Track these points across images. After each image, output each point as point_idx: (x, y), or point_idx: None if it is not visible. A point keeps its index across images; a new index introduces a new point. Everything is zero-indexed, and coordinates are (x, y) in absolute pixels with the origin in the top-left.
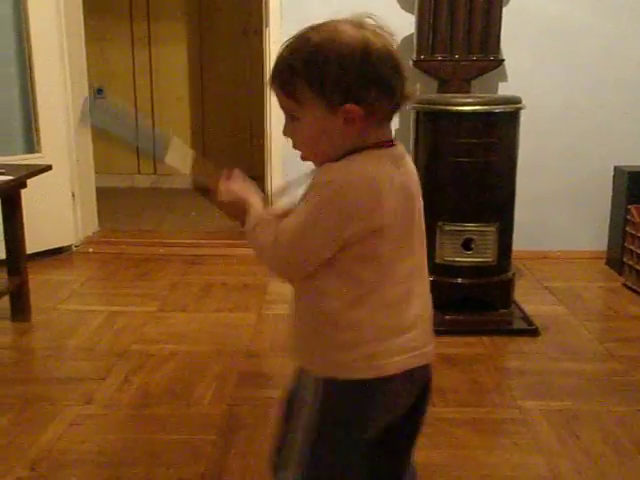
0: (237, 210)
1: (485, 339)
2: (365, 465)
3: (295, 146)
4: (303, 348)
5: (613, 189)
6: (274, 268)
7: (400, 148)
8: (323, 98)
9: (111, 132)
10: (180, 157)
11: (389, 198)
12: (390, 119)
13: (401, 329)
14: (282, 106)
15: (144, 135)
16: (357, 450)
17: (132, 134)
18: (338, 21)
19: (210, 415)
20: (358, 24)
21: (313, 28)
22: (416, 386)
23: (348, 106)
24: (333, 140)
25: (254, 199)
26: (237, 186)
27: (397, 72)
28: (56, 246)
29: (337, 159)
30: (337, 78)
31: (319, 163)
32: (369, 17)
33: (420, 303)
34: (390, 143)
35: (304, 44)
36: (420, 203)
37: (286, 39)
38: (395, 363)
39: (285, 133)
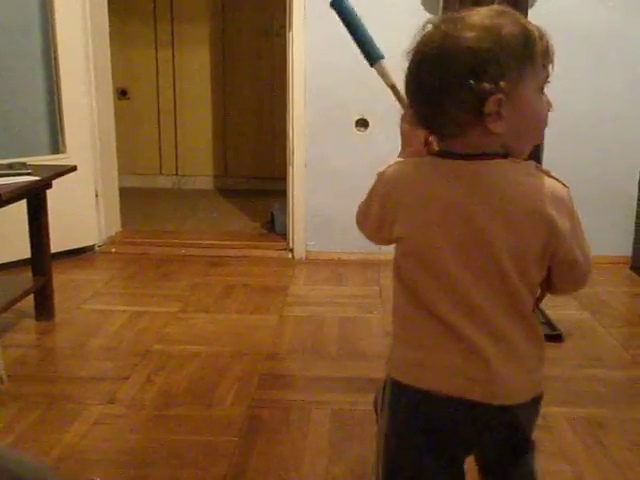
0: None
1: None
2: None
3: None
4: None
5: (639, 193)
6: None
7: (478, 166)
8: None
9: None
10: (386, 75)
11: (387, 201)
12: (440, 134)
13: (415, 345)
14: None
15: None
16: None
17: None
18: None
19: (231, 417)
20: None
21: None
22: (457, 421)
23: None
24: None
25: (404, 152)
26: (402, 128)
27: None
28: (79, 246)
29: None
30: None
31: None
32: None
33: (459, 346)
34: (457, 155)
35: None
36: (498, 239)
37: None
38: (403, 374)
39: None
